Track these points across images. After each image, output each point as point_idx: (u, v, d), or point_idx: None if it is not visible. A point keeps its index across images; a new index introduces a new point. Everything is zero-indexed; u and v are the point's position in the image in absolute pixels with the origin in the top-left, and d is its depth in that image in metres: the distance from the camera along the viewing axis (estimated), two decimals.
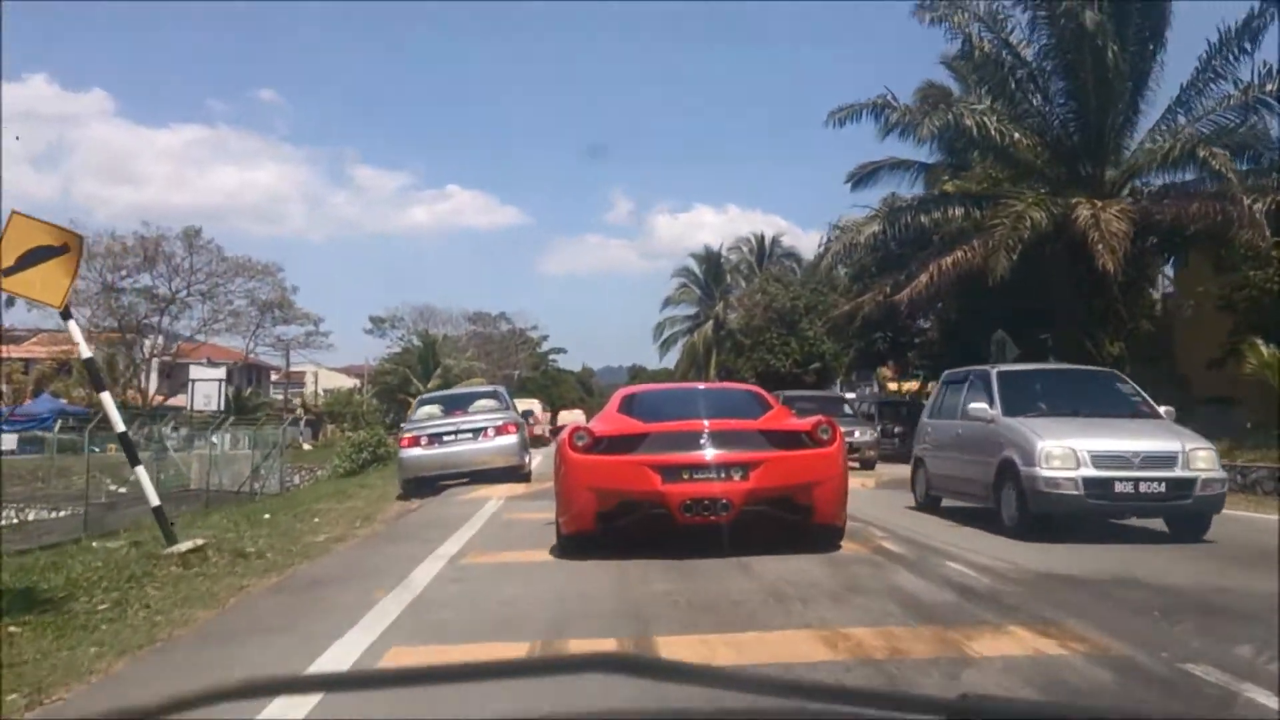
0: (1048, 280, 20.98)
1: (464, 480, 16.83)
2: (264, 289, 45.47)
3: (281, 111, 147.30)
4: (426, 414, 18.83)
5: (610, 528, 7.80)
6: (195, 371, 34.95)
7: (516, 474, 17.70)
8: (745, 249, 55.19)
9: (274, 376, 68.31)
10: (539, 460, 24.13)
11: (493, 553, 8.56)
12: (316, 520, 12.27)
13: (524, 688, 1.13)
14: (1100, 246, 17.69)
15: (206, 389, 33.82)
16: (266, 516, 13.01)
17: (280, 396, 65.84)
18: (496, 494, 14.01)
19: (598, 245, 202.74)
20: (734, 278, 55.18)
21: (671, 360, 59.31)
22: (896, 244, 22.95)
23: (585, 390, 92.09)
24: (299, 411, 51.77)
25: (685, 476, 7.53)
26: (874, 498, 13.48)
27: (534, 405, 54.15)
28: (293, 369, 70.16)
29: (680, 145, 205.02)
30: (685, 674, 0.94)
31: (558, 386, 77.02)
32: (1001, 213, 19.08)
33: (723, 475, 7.55)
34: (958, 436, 10.93)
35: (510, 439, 17.77)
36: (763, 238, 54.79)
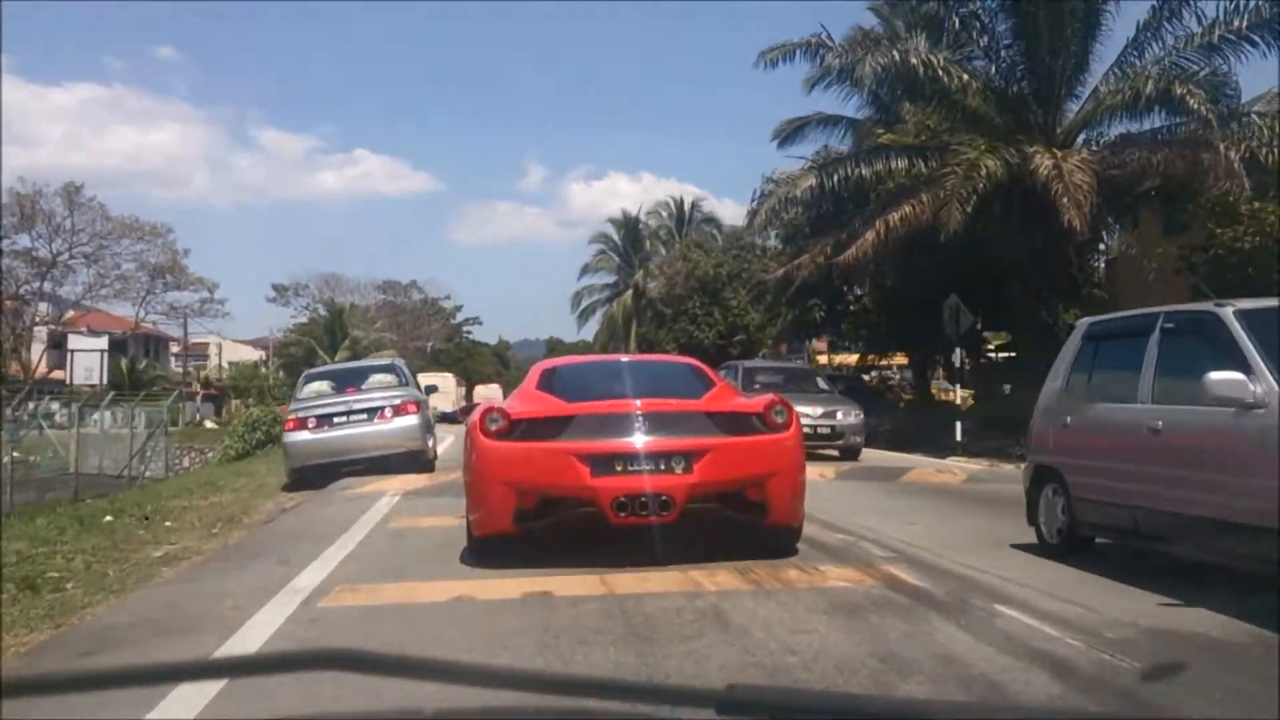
0: (995, 242, 19.34)
1: (360, 469, 14.54)
2: (153, 252, 41.83)
3: (180, 70, 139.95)
4: (315, 392, 16.35)
5: (531, 529, 6.58)
6: (74, 341, 31.34)
7: (419, 461, 15.45)
8: (665, 214, 53.07)
9: (175, 348, 64.11)
10: (449, 443, 21.83)
11: (369, 586, 6.28)
12: (169, 525, 9.87)
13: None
14: (1065, 200, 16.02)
15: (88, 360, 30.43)
16: (108, 519, 10.50)
17: (181, 369, 62.14)
18: (392, 487, 11.68)
19: (511, 213, 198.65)
20: (653, 244, 53.03)
21: (590, 332, 57.11)
22: (833, 201, 21.05)
23: (502, 363, 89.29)
24: (195, 386, 48.10)
25: (619, 468, 6.35)
26: (838, 493, 11.21)
27: (447, 379, 51.54)
28: (195, 340, 66.17)
29: (594, 111, 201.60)
30: (422, 670, 0.93)
31: (473, 359, 74.15)
32: (952, 161, 17.28)
33: (662, 467, 6.35)
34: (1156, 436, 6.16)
35: (411, 420, 15.45)
36: (682, 202, 52.76)
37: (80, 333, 33.72)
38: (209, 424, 46.23)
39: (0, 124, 38.66)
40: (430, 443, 16.04)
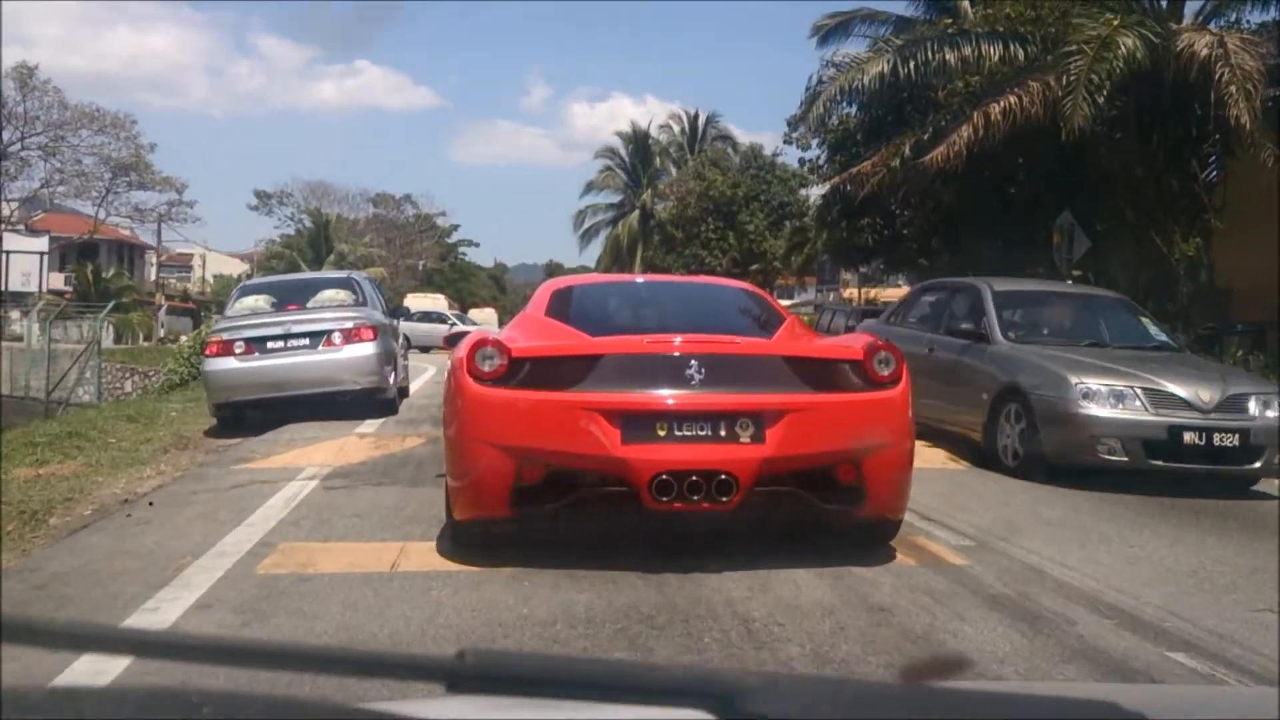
0: (1107, 149, 15.25)
1: (303, 408, 10.77)
2: (116, 147, 37.19)
3: None
4: (248, 308, 12.35)
5: (533, 514, 4.60)
6: (10, 241, 26.90)
7: (377, 400, 11.62)
8: (676, 129, 48.43)
9: (162, 259, 59.75)
10: (428, 378, 17.83)
11: None
12: None
13: None
14: (1233, 89, 11.93)
15: (25, 264, 26.23)
16: None
17: (165, 280, 57.98)
18: (315, 460, 7.57)
19: (512, 133, 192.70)
20: (663, 162, 48.51)
21: (592, 255, 52.81)
22: (908, 92, 16.80)
23: (499, 287, 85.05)
24: (159, 298, 44.01)
25: (661, 433, 4.40)
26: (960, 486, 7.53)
27: (439, 301, 47.46)
28: (179, 251, 61.95)
29: (599, 27, 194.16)
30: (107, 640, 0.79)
31: (468, 281, 69.79)
32: (1075, 38, 13.09)
33: (724, 433, 4.41)
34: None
35: (365, 349, 11.54)
36: (695, 117, 48.06)
37: (17, 231, 29.27)
38: (184, 339, 42.25)
39: (1, 121, 33.46)
40: (392, 378, 12.12)
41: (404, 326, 14.99)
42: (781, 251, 37.68)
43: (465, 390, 4.58)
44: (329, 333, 11.54)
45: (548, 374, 4.58)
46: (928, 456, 8.11)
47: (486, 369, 4.56)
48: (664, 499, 4.36)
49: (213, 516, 5.62)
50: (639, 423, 4.45)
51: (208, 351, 11.76)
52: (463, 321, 34.47)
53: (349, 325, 11.61)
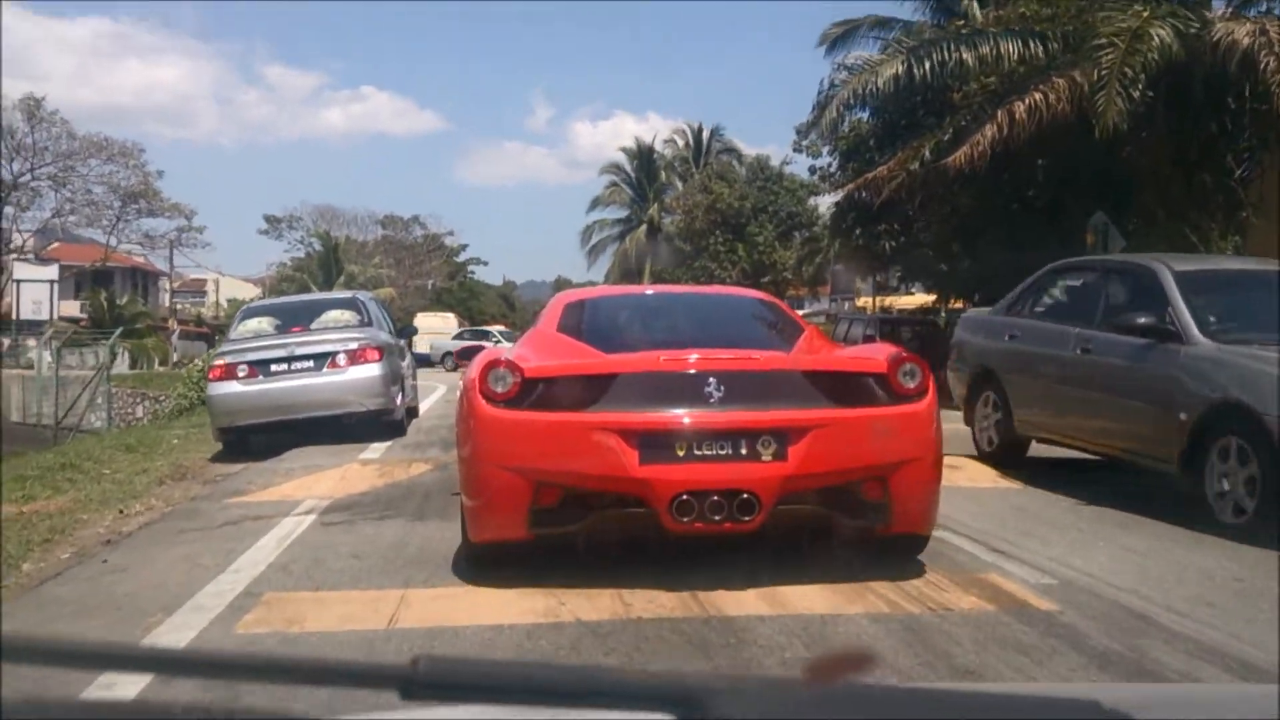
0: (1135, 144, 14.57)
1: (309, 431, 10.32)
2: (124, 174, 36.75)
3: (187, 5, 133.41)
4: (251, 331, 11.84)
5: (551, 536, 4.38)
6: (21, 270, 26.40)
7: (384, 422, 11.09)
8: (681, 143, 47.79)
9: (176, 285, 59.35)
10: (438, 397, 17.21)
11: None
12: None
13: None
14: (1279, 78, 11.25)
15: (35, 292, 25.73)
16: None
17: (179, 306, 57.54)
18: (316, 493, 6.88)
19: (517, 153, 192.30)
20: (669, 176, 47.88)
21: (600, 270, 52.22)
22: (923, 94, 16.13)
23: (507, 305, 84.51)
24: (171, 323, 43.58)
25: (680, 452, 4.22)
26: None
27: (449, 319, 46.92)
28: (194, 277, 61.59)
29: (600, 48, 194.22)
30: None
31: (477, 299, 69.22)
32: (1105, 31, 12.42)
33: (744, 451, 4.22)
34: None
35: (370, 370, 11.02)
36: (699, 130, 47.39)
37: (28, 259, 28.75)
38: (199, 362, 41.66)
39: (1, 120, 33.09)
40: (399, 399, 11.53)
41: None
42: (792, 262, 37.02)
43: (478, 412, 4.39)
44: (333, 354, 11.02)
45: (562, 394, 4.39)
46: (974, 473, 7.44)
47: (499, 390, 4.36)
48: (685, 519, 4.19)
49: (196, 561, 4.97)
50: (657, 442, 4.27)
51: (211, 375, 11.24)
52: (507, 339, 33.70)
53: (354, 346, 11.08)
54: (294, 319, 12.03)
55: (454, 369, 43.13)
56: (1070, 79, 13.03)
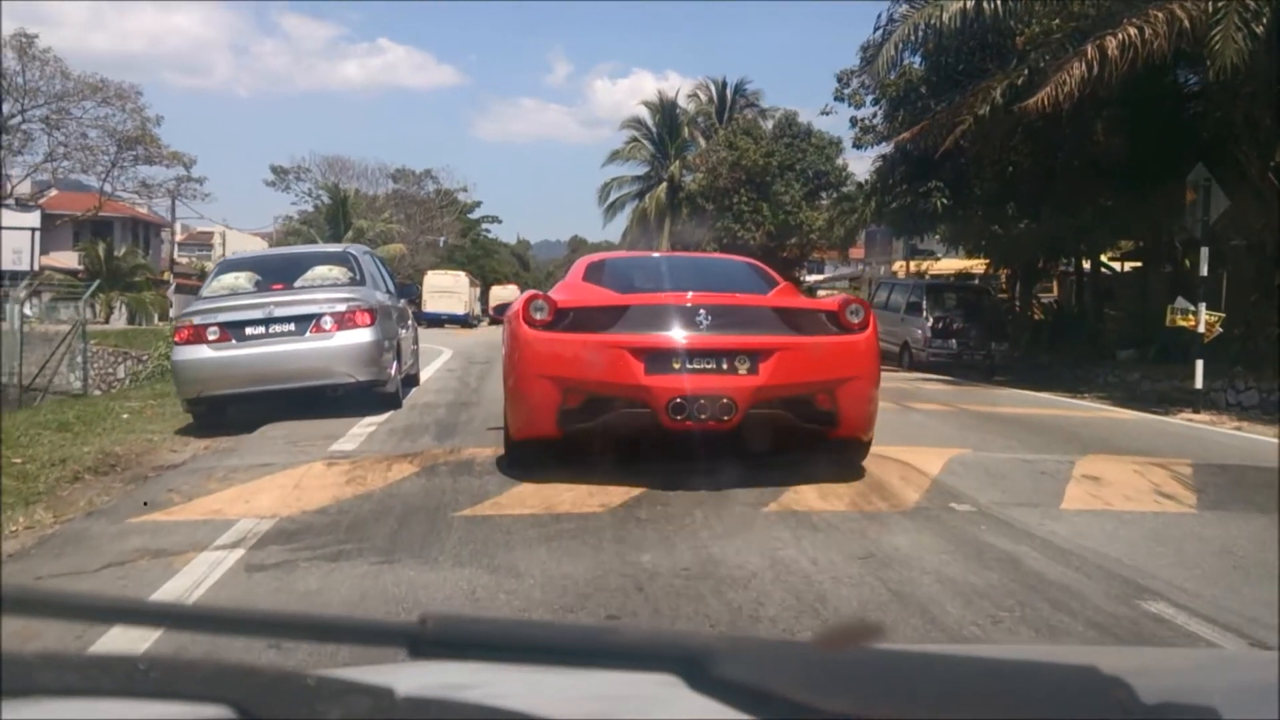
0: (1210, 93, 12.85)
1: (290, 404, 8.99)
2: (121, 119, 35.01)
3: None
4: (227, 287, 10.29)
5: (576, 431, 5.71)
6: (8, 218, 24.89)
7: (376, 394, 9.60)
8: (704, 98, 45.70)
9: (177, 236, 57.77)
10: (442, 362, 15.66)
11: None
12: None
13: None
14: None
15: (17, 241, 24.15)
16: None
17: (184, 259, 56.05)
18: (265, 498, 5.40)
19: (535, 110, 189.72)
20: (691, 133, 45.87)
21: (617, 229, 50.38)
22: (983, 37, 14.38)
23: (521, 264, 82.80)
24: (167, 276, 42.11)
25: (676, 366, 5.50)
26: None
27: (460, 278, 45.34)
28: (200, 229, 60.18)
29: (621, 8, 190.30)
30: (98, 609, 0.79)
31: (490, 258, 67.55)
32: None
33: (725, 366, 5.52)
34: None
35: (362, 335, 9.54)
36: (723, 85, 45.26)
37: (8, 205, 27.18)
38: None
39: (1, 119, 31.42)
40: (394, 368, 10.01)
41: None
42: (820, 223, 35.21)
43: (521, 334, 5.64)
44: (319, 316, 9.52)
45: (586, 321, 5.63)
46: (1127, 486, 5.82)
47: (538, 317, 5.60)
48: (678, 418, 5.37)
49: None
50: (659, 358, 5.48)
51: (176, 338, 9.73)
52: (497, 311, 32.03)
53: (342, 308, 9.56)
54: (276, 275, 10.47)
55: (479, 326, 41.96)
56: (1169, 11, 11.26)
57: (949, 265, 27.14)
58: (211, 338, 9.35)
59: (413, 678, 0.90)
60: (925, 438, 7.98)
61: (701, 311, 5.56)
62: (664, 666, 0.72)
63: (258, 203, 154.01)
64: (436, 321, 40.02)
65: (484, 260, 64.73)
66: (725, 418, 5.38)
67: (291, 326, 9.44)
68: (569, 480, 5.72)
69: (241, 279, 10.43)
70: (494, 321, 47.39)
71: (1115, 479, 5.93)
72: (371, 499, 5.35)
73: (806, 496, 5.39)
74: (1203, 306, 11.42)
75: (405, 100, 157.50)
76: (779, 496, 5.39)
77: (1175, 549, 4.55)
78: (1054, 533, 4.74)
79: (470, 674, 0.87)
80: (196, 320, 9.52)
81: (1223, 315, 11.63)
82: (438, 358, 16.05)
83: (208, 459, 6.89)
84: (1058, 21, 13.39)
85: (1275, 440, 8.96)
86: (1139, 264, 22.00)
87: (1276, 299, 13.04)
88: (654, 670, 0.73)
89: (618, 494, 5.44)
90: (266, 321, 9.43)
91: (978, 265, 23.75)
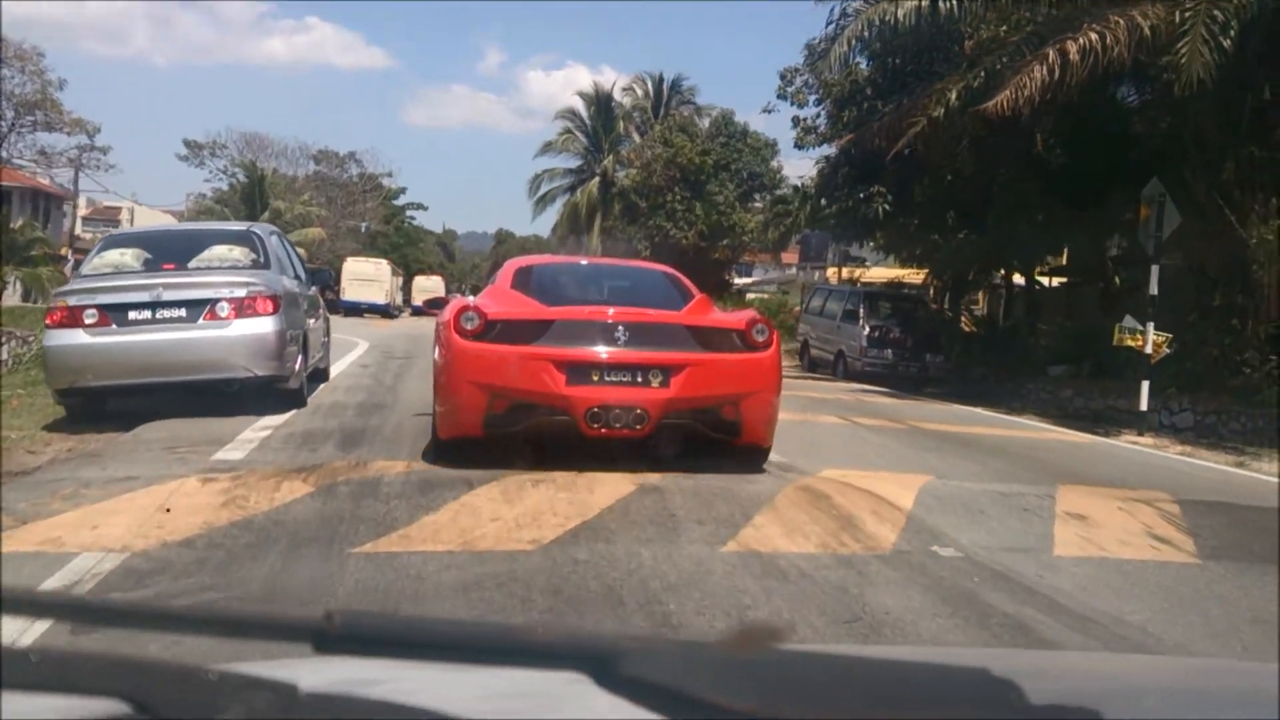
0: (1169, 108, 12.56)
1: (179, 400, 8.00)
2: (20, 82, 32.72)
3: None
4: (111, 264, 9.17)
5: (498, 434, 6.03)
6: None
7: (279, 393, 8.65)
8: (640, 92, 44.85)
9: (82, 211, 54.81)
10: (357, 356, 14.59)
11: None
12: None
13: None
14: None
15: None
16: None
17: (90, 235, 53.15)
18: (118, 527, 4.40)
19: (466, 97, 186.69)
20: (626, 128, 44.99)
21: (546, 223, 49.35)
22: (934, 38, 13.91)
23: (447, 254, 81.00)
24: (65, 251, 39.78)
25: (595, 378, 5.95)
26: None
27: (381, 266, 43.73)
28: (107, 204, 57.15)
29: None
30: None
31: (414, 247, 65.61)
32: None
33: (640, 380, 5.98)
34: None
35: (262, 325, 8.55)
36: (660, 79, 44.48)
37: None
38: None
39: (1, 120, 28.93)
40: (299, 361, 9.00)
41: None
42: (752, 225, 34.75)
43: (453, 342, 6.04)
44: (214, 302, 8.47)
45: (514, 332, 6.04)
46: (1118, 528, 5.18)
47: (469, 327, 6.01)
48: (595, 426, 5.84)
49: None
50: (579, 370, 5.95)
51: (49, 320, 8.57)
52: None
53: (242, 293, 8.51)
54: (168, 254, 9.36)
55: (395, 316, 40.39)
56: (1131, 19, 10.84)
57: (880, 274, 26.83)
58: (88, 321, 8.26)
59: (316, 674, 0.84)
60: (883, 460, 7.32)
61: (620, 328, 6.00)
62: (573, 665, 0.72)
63: (171, 179, 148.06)
64: (356, 311, 38.52)
65: (407, 249, 62.88)
66: (638, 426, 5.86)
67: (182, 312, 8.39)
68: (493, 503, 4.88)
69: (128, 256, 9.28)
70: (416, 312, 45.48)
71: (1102, 518, 5.30)
72: (251, 527, 4.42)
73: (769, 533, 4.63)
74: (1150, 326, 11.03)
75: (332, 80, 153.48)
76: (737, 532, 4.62)
77: (1200, 612, 3.91)
78: (1056, 588, 4.06)
79: (376, 670, 0.84)
80: (72, 301, 8.41)
81: (1170, 336, 11.26)
82: (352, 350, 14.95)
83: (63, 466, 5.84)
84: (1005, 28, 12.96)
85: (1233, 469, 8.53)
86: (1064, 280, 21.94)
87: (1214, 320, 12.79)
88: (563, 669, 0.73)
89: (551, 525, 4.62)
90: (153, 305, 8.37)
91: (910, 274, 23.41)
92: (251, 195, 46.12)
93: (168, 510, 4.61)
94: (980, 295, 24.90)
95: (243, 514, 4.65)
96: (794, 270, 36.97)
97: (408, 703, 0.73)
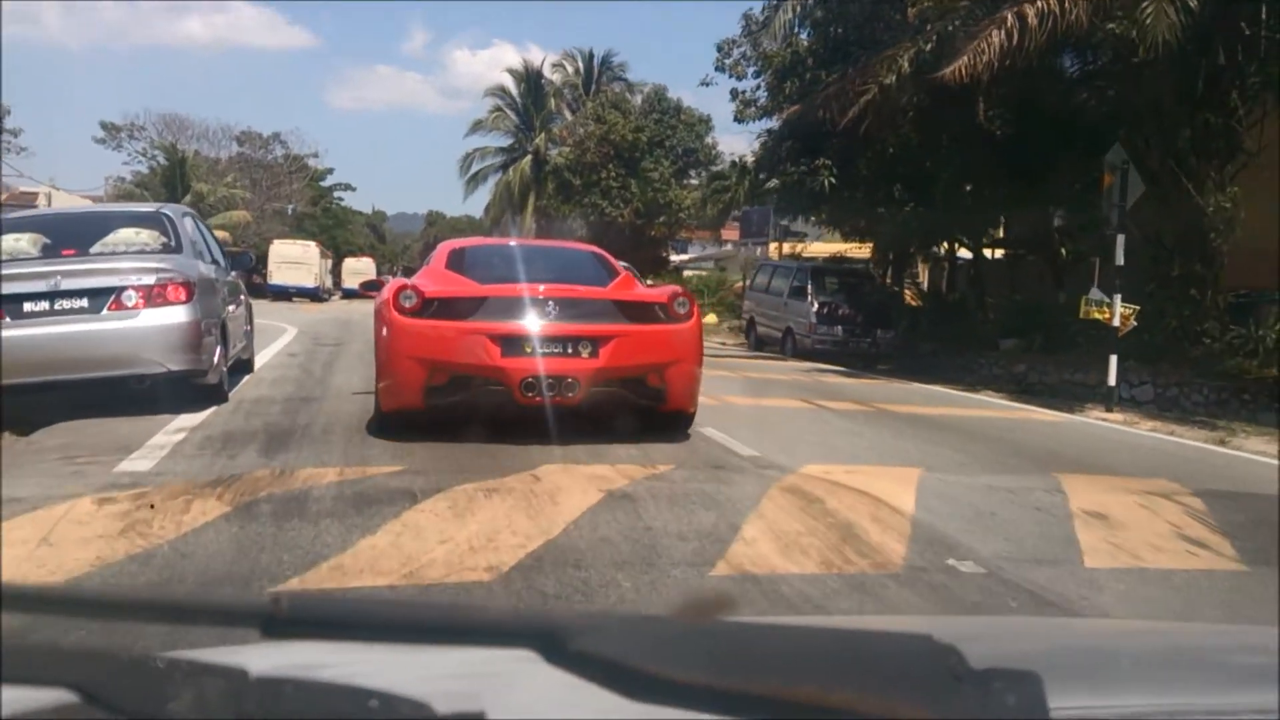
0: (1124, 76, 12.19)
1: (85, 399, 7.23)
2: None
3: None
4: (5, 251, 8.18)
5: (438, 406, 6.31)
6: None
7: (197, 389, 7.81)
8: (570, 69, 43.78)
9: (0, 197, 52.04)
10: (285, 343, 13.66)
11: None
12: None
13: None
14: None
15: None
16: None
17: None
18: (4, 556, 3.70)
19: (391, 77, 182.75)
20: (558, 105, 43.92)
21: (479, 203, 48.20)
22: (877, 11, 13.36)
23: (377, 236, 78.94)
24: None
25: (528, 350, 6.26)
26: None
27: (310, 249, 42.18)
28: (24, 190, 54.50)
29: None
30: None
31: (343, 228, 63.69)
32: None
33: (570, 350, 6.30)
34: None
35: (175, 315, 7.72)
36: (590, 56, 43.47)
37: None
38: None
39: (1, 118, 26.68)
40: (218, 353, 8.13)
41: None
42: (688, 202, 34.14)
43: (392, 319, 6.30)
44: (119, 290, 7.60)
45: (450, 309, 6.34)
46: (1145, 529, 4.64)
47: (407, 305, 6.27)
48: (529, 394, 6.14)
49: None
50: (513, 343, 6.22)
51: None
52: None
53: (151, 280, 7.64)
54: (69, 238, 8.41)
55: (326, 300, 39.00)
56: None
57: (820, 248, 26.39)
58: None
59: (265, 658, 0.84)
60: (860, 450, 6.76)
61: (550, 303, 6.31)
62: (522, 643, 0.72)
63: (90, 163, 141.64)
64: (284, 294, 37.10)
65: (336, 230, 61.02)
66: (570, 394, 6.17)
67: (84, 302, 7.51)
68: (440, 520, 4.18)
69: (24, 242, 8.30)
70: (348, 295, 43.98)
71: (1123, 517, 4.76)
72: (153, 562, 3.65)
73: (762, 550, 4.00)
74: (1118, 299, 10.64)
75: (253, 61, 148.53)
76: (725, 549, 3.98)
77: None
78: (1104, 609, 3.50)
79: (324, 654, 0.85)
80: None
81: (1137, 308, 10.89)
82: (279, 337, 13.99)
83: None
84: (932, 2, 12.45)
85: (1217, 448, 8.14)
86: (1006, 251, 21.72)
87: (1173, 290, 12.51)
88: (512, 646, 0.74)
89: (510, 546, 3.93)
90: (51, 295, 7.48)
91: (853, 249, 22.98)
92: (172, 178, 44.15)
93: (49, 544, 3.82)
94: (920, 268, 24.62)
95: (144, 543, 3.87)
96: (730, 247, 36.43)
97: (359, 684, 0.73)
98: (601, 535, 4.13)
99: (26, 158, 59.27)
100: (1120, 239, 10.69)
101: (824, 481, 5.23)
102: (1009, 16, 10.36)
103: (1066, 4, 10.32)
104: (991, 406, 10.63)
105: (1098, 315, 10.79)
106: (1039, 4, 10.30)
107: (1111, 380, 10.66)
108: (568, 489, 4.84)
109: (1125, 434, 8.93)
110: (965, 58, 10.47)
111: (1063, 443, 7.80)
